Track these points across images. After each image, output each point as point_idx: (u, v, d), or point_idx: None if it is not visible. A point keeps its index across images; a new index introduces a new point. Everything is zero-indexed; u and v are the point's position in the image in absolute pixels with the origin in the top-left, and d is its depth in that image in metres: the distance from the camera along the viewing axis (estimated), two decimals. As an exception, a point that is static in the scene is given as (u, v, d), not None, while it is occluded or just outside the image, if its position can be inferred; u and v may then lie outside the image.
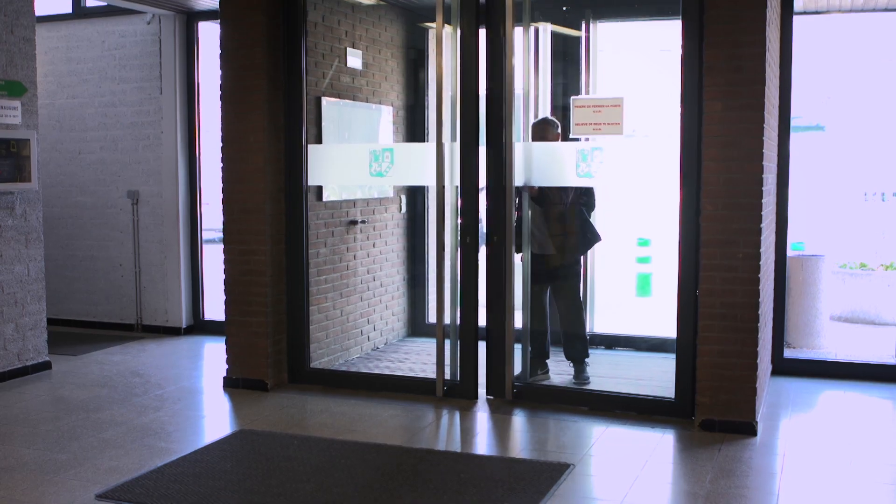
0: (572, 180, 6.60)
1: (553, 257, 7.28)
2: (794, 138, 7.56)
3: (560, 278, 7.36)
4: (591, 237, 7.39)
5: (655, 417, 6.24)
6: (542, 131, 7.02)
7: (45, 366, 7.79)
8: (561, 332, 7.39)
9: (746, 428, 5.89)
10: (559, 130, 7.08)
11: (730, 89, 5.78)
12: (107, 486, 5.02)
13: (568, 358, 7.34)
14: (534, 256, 7.04)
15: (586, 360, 7.27)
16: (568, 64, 8.38)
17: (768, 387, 7.04)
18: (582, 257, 7.74)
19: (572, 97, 6.78)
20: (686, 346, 6.12)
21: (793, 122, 7.55)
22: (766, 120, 5.83)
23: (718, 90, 5.81)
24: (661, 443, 5.81)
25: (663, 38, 8.67)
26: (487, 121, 6.60)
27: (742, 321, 5.86)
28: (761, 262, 5.88)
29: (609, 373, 7.66)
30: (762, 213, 5.83)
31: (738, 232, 5.83)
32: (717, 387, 5.94)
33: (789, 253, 7.83)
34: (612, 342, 8.43)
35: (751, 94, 5.76)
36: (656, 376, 7.26)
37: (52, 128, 9.75)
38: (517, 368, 6.81)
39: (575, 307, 7.41)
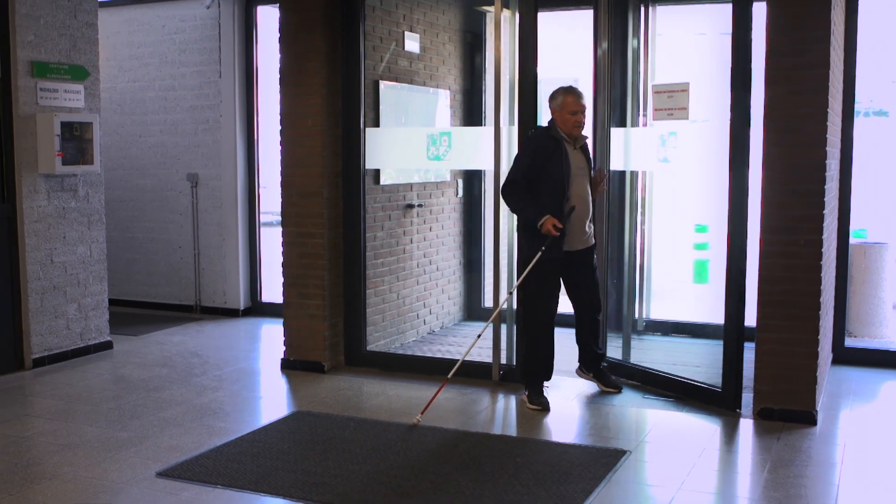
0: (653, 165, 6.60)
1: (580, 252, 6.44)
2: (858, 123, 7.42)
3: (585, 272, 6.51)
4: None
5: (713, 405, 6.18)
6: (579, 100, 6.21)
7: (107, 345, 7.92)
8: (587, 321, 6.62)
9: (806, 417, 5.82)
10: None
11: (793, 73, 5.69)
12: (167, 464, 5.11)
13: (593, 355, 6.67)
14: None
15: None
16: (626, 47, 8.28)
17: (829, 376, 6.94)
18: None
19: (652, 83, 6.75)
20: (733, 333, 6.06)
21: (856, 107, 7.41)
22: (829, 105, 5.73)
23: (781, 74, 5.72)
24: (718, 430, 5.76)
25: (724, 21, 8.54)
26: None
27: (803, 309, 5.78)
28: (823, 250, 5.79)
29: (665, 359, 7.60)
30: (825, 199, 5.73)
31: (800, 219, 5.74)
32: (776, 375, 5.87)
33: (851, 240, 7.69)
34: (668, 329, 8.37)
35: (814, 78, 5.66)
36: (715, 363, 7.19)
37: (113, 111, 9.88)
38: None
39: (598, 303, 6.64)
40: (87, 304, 7.72)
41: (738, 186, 5.96)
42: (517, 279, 6.36)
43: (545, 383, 6.37)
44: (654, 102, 6.46)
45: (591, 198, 6.31)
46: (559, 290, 6.37)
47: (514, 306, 6.82)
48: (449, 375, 6.17)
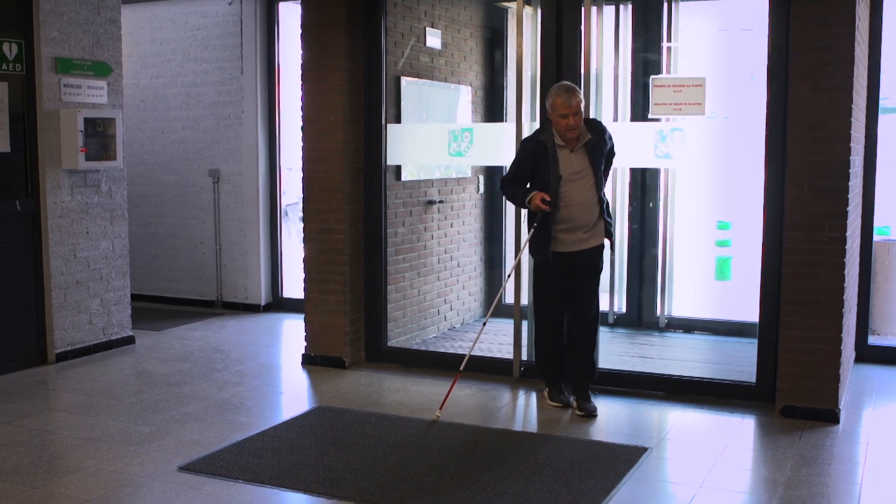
0: (650, 161, 6.53)
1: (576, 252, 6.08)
2: (882, 120, 7.36)
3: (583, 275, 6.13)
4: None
5: (734, 402, 6.15)
6: (569, 101, 5.78)
7: (129, 340, 7.96)
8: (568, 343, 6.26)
9: (828, 415, 5.78)
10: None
11: (817, 69, 5.65)
12: (189, 458, 5.13)
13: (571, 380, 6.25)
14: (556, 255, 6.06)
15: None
16: (648, 43, 8.27)
17: (851, 374, 6.90)
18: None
19: (652, 76, 6.70)
20: (768, 331, 6.02)
21: (881, 103, 7.35)
22: (853, 101, 5.69)
23: (805, 70, 5.68)
24: (740, 428, 5.74)
25: (745, 17, 8.50)
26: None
27: (826, 306, 5.74)
28: (847, 247, 5.75)
29: (687, 357, 7.59)
30: (848, 196, 5.69)
31: (824, 215, 5.70)
32: (798, 373, 5.84)
33: (875, 237, 7.64)
34: (689, 326, 8.34)
35: (839, 74, 5.61)
36: (735, 361, 7.18)
37: (136, 107, 9.93)
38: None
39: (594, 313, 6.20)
40: (110, 299, 7.76)
41: (772, 183, 5.92)
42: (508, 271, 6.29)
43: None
44: (654, 97, 6.40)
45: (595, 199, 5.90)
46: (561, 292, 6.10)
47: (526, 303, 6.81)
48: (461, 368, 6.16)
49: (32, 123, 7.16)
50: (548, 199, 5.81)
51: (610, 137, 6.03)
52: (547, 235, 5.92)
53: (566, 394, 6.20)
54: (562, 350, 6.22)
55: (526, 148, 6.05)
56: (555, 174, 5.85)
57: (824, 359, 5.78)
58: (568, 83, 5.92)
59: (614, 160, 6.17)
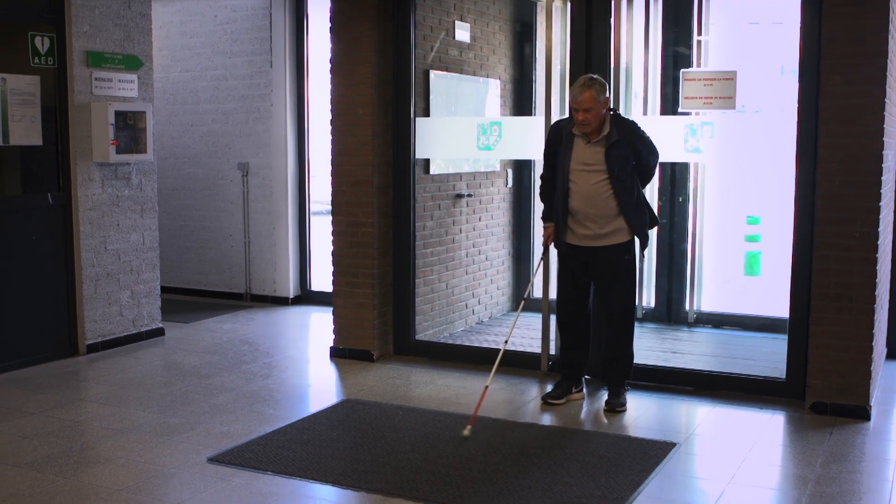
0: (680, 155, 6.49)
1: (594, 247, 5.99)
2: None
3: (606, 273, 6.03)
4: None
5: (763, 398, 6.12)
6: (577, 96, 5.70)
7: (159, 332, 8.02)
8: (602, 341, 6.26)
9: (859, 412, 5.74)
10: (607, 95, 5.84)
11: (850, 62, 5.59)
12: (218, 449, 5.16)
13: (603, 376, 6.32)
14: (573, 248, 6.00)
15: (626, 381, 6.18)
16: (678, 36, 8.22)
17: (883, 371, 6.83)
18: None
19: (682, 70, 6.66)
20: (799, 326, 5.98)
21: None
22: (887, 94, 5.63)
23: (838, 64, 5.63)
24: (769, 424, 5.70)
25: (775, 10, 8.44)
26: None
27: (857, 302, 5.69)
28: (879, 242, 5.70)
29: (716, 352, 7.55)
30: (881, 190, 5.63)
31: (856, 210, 5.65)
32: (829, 369, 5.79)
33: (908, 233, 7.57)
34: (719, 321, 8.30)
35: (872, 67, 5.55)
36: (765, 356, 7.14)
37: (166, 101, 9.98)
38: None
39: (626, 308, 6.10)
40: (140, 291, 7.81)
41: (803, 177, 5.87)
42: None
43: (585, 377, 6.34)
44: (684, 90, 6.35)
45: (608, 195, 5.76)
46: (574, 281, 6.02)
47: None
48: (487, 383, 5.85)
49: (64, 117, 7.22)
50: (550, 243, 6.06)
51: (641, 139, 5.80)
52: (562, 222, 5.93)
53: (563, 389, 6.14)
54: (575, 344, 6.19)
55: (548, 133, 6.11)
56: (566, 161, 5.84)
57: (855, 355, 5.73)
58: (589, 76, 5.81)
59: (656, 161, 5.94)
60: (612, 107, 5.93)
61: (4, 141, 6.84)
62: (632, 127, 5.88)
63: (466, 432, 5.37)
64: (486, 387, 5.80)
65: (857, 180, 5.63)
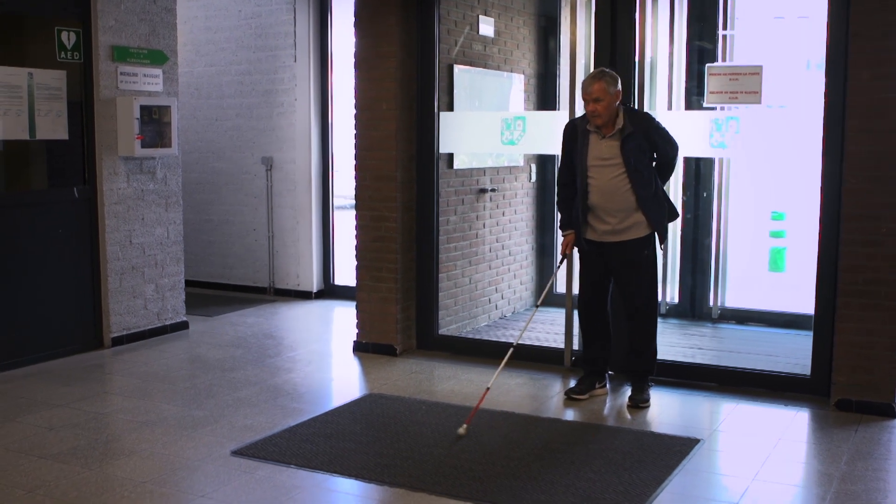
0: (705, 150, 6.46)
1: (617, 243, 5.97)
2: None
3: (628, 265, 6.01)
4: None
5: (788, 395, 6.08)
6: (586, 88, 5.73)
7: (183, 325, 8.06)
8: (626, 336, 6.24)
9: (885, 409, 5.70)
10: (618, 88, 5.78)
11: (878, 57, 5.55)
12: (242, 442, 5.18)
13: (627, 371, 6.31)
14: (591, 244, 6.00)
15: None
16: (704, 30, 8.18)
17: (909, 367, 6.78)
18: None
19: (707, 64, 6.62)
20: (824, 323, 5.94)
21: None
22: (915, 90, 5.58)
23: (865, 58, 5.58)
24: (794, 421, 5.67)
25: (801, 4, 8.38)
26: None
27: (885, 299, 5.64)
28: (906, 238, 5.66)
29: (740, 348, 7.51)
30: (908, 186, 5.60)
31: (883, 206, 5.60)
32: (854, 366, 5.75)
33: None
34: (743, 317, 8.26)
35: (900, 62, 5.52)
36: (789, 353, 7.10)
37: (190, 95, 10.02)
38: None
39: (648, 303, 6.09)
40: (164, 284, 7.85)
41: (829, 173, 5.82)
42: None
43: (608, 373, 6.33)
44: (709, 85, 6.32)
45: (626, 189, 5.73)
46: (595, 277, 6.02)
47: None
48: (489, 385, 5.82)
49: (90, 111, 7.26)
50: (569, 251, 6.08)
51: (657, 130, 5.79)
52: (581, 219, 5.90)
53: (585, 385, 6.14)
54: (597, 340, 6.17)
55: (563, 132, 6.08)
56: (582, 157, 5.84)
57: (881, 352, 5.69)
58: (600, 69, 5.83)
59: (676, 153, 5.91)
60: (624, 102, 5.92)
61: (31, 135, 6.89)
62: (646, 118, 5.90)
63: (462, 430, 5.34)
64: (487, 388, 5.79)
65: (884, 176, 5.59)
